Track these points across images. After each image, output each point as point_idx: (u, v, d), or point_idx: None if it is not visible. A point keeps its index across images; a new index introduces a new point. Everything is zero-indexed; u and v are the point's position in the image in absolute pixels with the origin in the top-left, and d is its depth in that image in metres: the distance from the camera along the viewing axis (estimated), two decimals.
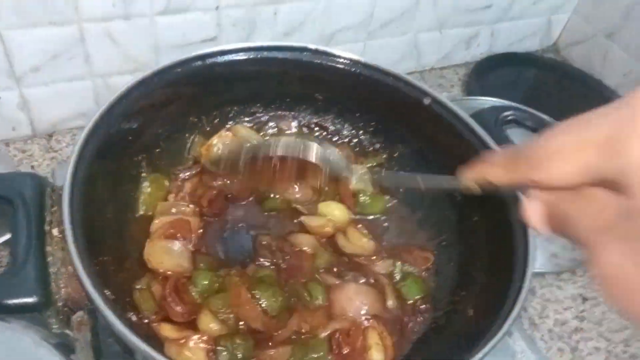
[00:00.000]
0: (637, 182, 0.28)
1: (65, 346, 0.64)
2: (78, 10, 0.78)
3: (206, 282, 0.61)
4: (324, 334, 0.60)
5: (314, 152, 0.58)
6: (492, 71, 1.22)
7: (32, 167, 0.88)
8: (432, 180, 0.56)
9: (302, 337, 0.59)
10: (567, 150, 0.32)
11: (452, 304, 0.63)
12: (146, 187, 0.67)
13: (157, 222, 0.65)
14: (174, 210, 0.67)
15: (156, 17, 0.83)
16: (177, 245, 0.63)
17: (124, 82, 0.87)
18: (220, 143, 0.71)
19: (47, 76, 0.84)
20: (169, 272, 0.61)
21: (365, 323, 0.61)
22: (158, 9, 0.82)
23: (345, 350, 0.59)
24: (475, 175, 0.42)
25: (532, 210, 0.36)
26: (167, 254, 0.62)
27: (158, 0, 0.81)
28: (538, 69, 1.28)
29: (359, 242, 0.69)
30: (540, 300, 0.82)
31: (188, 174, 0.72)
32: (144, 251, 0.62)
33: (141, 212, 0.66)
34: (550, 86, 1.26)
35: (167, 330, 0.57)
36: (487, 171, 0.40)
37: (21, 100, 0.86)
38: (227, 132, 0.72)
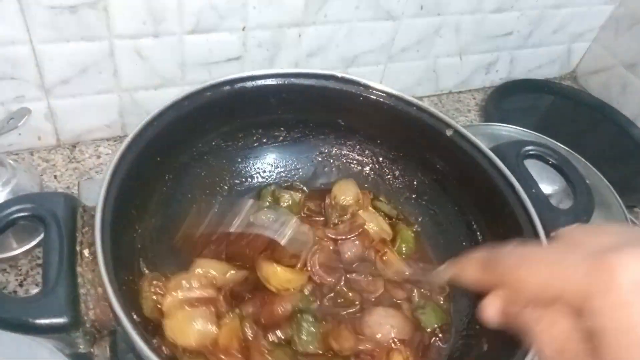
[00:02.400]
0: (601, 311, 0.31)
1: (79, 358, 0.65)
2: (110, 27, 0.80)
3: None
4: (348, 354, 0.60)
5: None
6: (510, 97, 1.23)
7: (55, 176, 0.90)
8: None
9: (329, 356, 0.60)
10: (544, 279, 0.35)
11: (467, 337, 0.64)
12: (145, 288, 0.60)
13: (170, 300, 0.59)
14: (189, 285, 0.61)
15: (185, 35, 0.85)
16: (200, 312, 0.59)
17: (149, 96, 0.91)
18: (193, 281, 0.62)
19: (76, 89, 0.86)
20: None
21: (393, 346, 0.62)
22: (187, 28, 0.84)
23: None
24: (456, 269, 0.43)
25: (492, 305, 0.38)
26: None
27: (188, 19, 0.83)
28: (556, 96, 1.28)
29: (396, 266, 0.70)
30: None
31: None
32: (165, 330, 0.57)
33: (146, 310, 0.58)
34: (567, 114, 1.27)
35: None
36: (467, 267, 0.41)
37: (48, 111, 0.87)
38: None
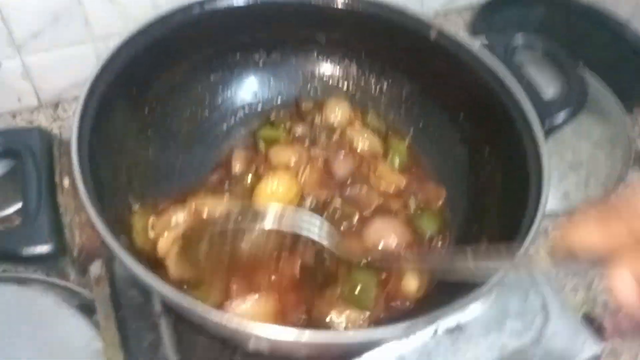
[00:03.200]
0: None
1: (86, 307, 0.65)
2: None
3: None
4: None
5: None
6: (499, 12, 1.19)
7: None
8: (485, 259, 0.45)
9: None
10: None
11: (466, 238, 0.63)
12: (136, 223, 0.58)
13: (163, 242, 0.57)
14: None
15: None
16: None
17: None
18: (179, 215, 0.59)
19: (48, 42, 0.83)
20: None
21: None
22: None
23: (382, 276, 0.59)
24: (560, 244, 0.33)
25: (625, 282, 0.29)
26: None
27: None
28: (546, 7, 1.24)
29: (390, 178, 0.68)
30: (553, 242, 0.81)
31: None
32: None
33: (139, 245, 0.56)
34: (559, 24, 1.23)
35: None
36: (575, 234, 0.31)
37: (24, 70, 0.85)
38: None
